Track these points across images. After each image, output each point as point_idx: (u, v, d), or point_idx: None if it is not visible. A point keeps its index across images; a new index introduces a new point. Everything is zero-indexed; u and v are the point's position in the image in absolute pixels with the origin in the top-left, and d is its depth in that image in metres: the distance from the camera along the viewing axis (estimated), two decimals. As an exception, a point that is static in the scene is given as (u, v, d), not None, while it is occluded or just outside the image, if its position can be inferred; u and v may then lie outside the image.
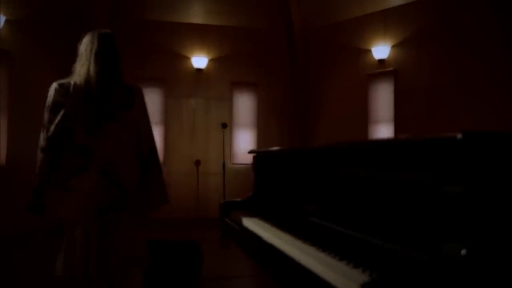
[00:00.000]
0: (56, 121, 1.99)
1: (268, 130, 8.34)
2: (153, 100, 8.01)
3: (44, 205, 1.97)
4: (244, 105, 8.38)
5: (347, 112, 7.62)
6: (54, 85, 2.08)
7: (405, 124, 6.83)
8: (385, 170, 1.35)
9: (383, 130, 7.18)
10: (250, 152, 2.69)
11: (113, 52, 2.16)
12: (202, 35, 8.18)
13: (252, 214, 2.37)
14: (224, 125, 6.28)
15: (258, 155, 2.69)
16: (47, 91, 2.15)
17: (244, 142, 8.32)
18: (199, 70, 8.16)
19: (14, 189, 5.70)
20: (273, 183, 2.47)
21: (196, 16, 8.22)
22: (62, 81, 2.08)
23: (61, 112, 1.99)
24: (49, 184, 1.97)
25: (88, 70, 2.05)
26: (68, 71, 2.24)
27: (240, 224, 2.29)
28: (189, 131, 8.16)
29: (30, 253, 5.26)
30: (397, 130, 6.97)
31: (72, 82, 2.05)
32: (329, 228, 1.66)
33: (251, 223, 2.14)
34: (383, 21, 7.23)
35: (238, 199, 2.58)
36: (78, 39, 2.25)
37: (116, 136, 2.01)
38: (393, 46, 7.14)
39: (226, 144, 6.94)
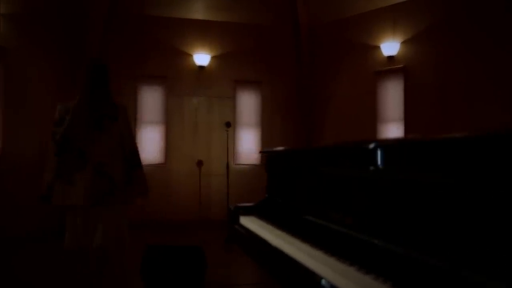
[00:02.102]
0: (61, 132, 2.56)
1: (273, 129, 8.09)
2: (154, 98, 7.78)
3: (52, 196, 2.54)
4: (248, 103, 8.13)
5: (355, 111, 7.36)
6: (59, 106, 2.64)
7: (416, 123, 6.58)
8: (439, 173, 1.10)
9: (393, 130, 6.92)
10: (261, 152, 2.44)
11: (104, 79, 2.68)
12: (204, 31, 7.93)
13: (264, 221, 2.12)
14: (228, 124, 6.01)
15: (271, 155, 2.44)
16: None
17: (247, 142, 8.08)
18: (201, 67, 7.91)
19: (9, 184, 5.48)
20: (288, 186, 2.22)
21: (198, 11, 7.97)
22: (65, 103, 2.65)
23: (64, 125, 2.56)
24: (58, 179, 2.54)
25: (84, 93, 2.63)
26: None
27: (251, 232, 2.03)
28: (191, 131, 7.91)
29: (28, 251, 5.07)
30: (407, 129, 6.71)
31: (71, 104, 2.62)
32: (362, 240, 1.41)
33: (263, 231, 1.89)
34: (392, 17, 6.97)
35: (250, 204, 2.33)
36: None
37: (105, 142, 2.59)
38: (402, 42, 6.89)
39: (229, 144, 6.69)
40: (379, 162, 1.51)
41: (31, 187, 5.87)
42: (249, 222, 2.11)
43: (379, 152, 1.53)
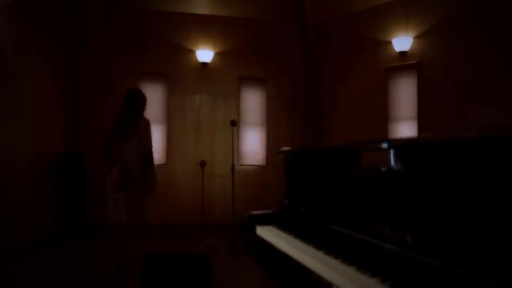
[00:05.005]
0: (106, 140, 3.64)
1: (279, 129, 7.78)
2: (155, 96, 7.46)
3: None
4: (253, 101, 7.82)
5: (365, 109, 7.05)
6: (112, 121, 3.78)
7: (430, 122, 6.26)
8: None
9: (405, 129, 6.60)
10: (280, 151, 2.11)
11: (135, 104, 3.71)
12: (207, 26, 7.63)
13: (286, 232, 1.80)
14: (233, 123, 5.70)
15: (291, 155, 2.11)
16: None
17: (252, 142, 7.77)
18: (204, 64, 7.61)
19: (2, 184, 5.16)
20: (312, 191, 1.90)
21: (202, 6, 7.67)
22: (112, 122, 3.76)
23: (108, 136, 3.64)
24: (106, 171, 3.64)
25: (119, 115, 3.70)
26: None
27: (270, 245, 1.71)
28: (194, 130, 7.62)
29: (25, 253, 4.76)
30: (420, 128, 6.39)
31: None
32: (414, 260, 1.09)
33: (287, 246, 1.57)
34: (405, 10, 6.65)
35: (267, 211, 2.01)
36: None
37: (129, 147, 3.57)
38: (415, 37, 6.56)
39: (233, 144, 6.38)
40: (430, 163, 1.20)
41: (27, 187, 5.62)
42: (267, 234, 1.80)
43: (428, 152, 1.22)
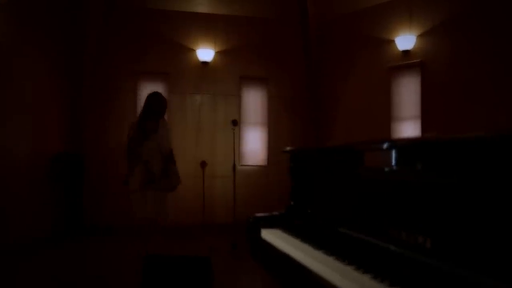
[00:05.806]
0: (128, 141, 3.81)
1: (280, 129, 7.72)
2: (155, 95, 7.40)
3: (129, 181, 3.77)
4: (254, 101, 7.76)
5: (367, 109, 6.98)
6: (131, 123, 3.93)
7: (433, 122, 6.20)
8: None
9: (408, 128, 6.53)
10: (284, 151, 2.05)
11: (153, 104, 3.88)
12: (208, 25, 7.57)
13: (293, 236, 1.74)
14: (234, 122, 5.63)
15: (296, 155, 2.05)
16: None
17: (253, 142, 7.71)
18: (205, 63, 7.55)
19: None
20: (320, 193, 1.84)
21: (202, 4, 7.60)
22: (134, 120, 3.97)
23: (130, 136, 3.82)
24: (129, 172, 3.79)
25: (140, 116, 3.90)
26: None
27: (277, 250, 1.65)
28: (194, 130, 7.55)
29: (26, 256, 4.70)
30: (424, 128, 6.33)
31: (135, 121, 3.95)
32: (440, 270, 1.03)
33: (296, 251, 1.51)
34: (409, 8, 6.58)
35: (273, 214, 1.95)
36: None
37: (150, 147, 3.74)
38: (419, 36, 6.49)
39: (234, 144, 6.32)
40: (435, 163, 1.14)
41: (26, 187, 5.56)
42: (273, 237, 1.73)
43: (433, 152, 1.16)
